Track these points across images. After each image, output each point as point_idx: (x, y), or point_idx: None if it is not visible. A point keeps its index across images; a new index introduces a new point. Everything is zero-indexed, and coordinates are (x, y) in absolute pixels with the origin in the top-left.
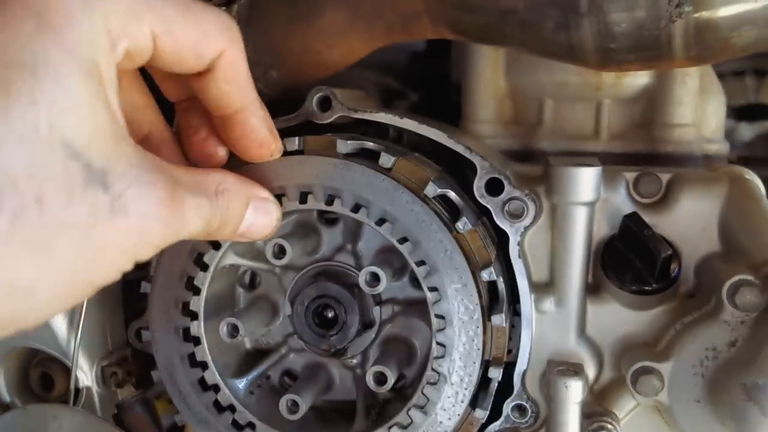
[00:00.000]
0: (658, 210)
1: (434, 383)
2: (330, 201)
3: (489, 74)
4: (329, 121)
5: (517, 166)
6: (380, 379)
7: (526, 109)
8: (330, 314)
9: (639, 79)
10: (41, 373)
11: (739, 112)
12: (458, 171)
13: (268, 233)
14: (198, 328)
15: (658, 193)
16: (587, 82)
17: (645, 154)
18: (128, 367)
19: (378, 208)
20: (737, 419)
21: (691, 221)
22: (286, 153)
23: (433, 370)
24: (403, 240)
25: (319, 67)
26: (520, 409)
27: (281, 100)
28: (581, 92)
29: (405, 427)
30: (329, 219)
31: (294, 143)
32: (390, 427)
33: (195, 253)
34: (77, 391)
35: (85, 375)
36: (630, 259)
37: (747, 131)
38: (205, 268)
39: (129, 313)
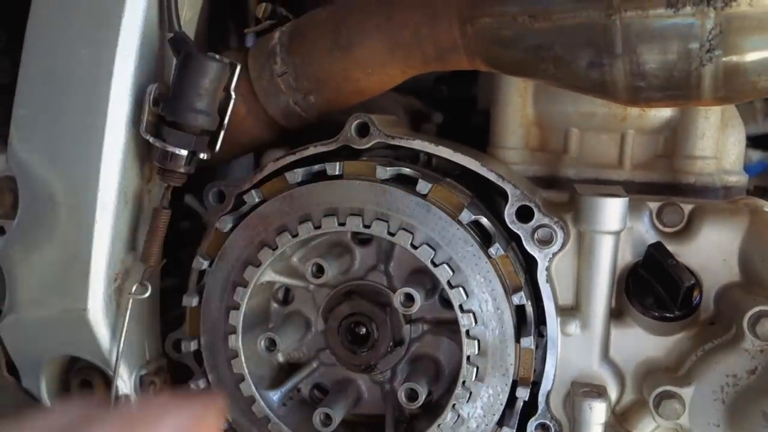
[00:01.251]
0: (680, 239)
1: (465, 401)
2: (369, 224)
3: (517, 103)
4: (367, 146)
5: (544, 193)
6: (411, 395)
7: (552, 138)
8: (362, 331)
9: (663, 112)
10: (82, 380)
11: (751, 141)
12: (486, 196)
13: None
14: (236, 341)
15: (681, 223)
16: (613, 114)
17: (666, 184)
18: (164, 376)
19: (419, 231)
20: None
21: (712, 251)
22: (326, 177)
23: (464, 388)
24: (440, 264)
25: (356, 93)
26: (543, 428)
27: (316, 124)
28: (607, 123)
29: None
30: (363, 240)
31: (335, 168)
32: None
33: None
34: (116, 398)
35: (124, 383)
36: (653, 286)
37: (759, 159)
38: (245, 284)
39: (165, 324)
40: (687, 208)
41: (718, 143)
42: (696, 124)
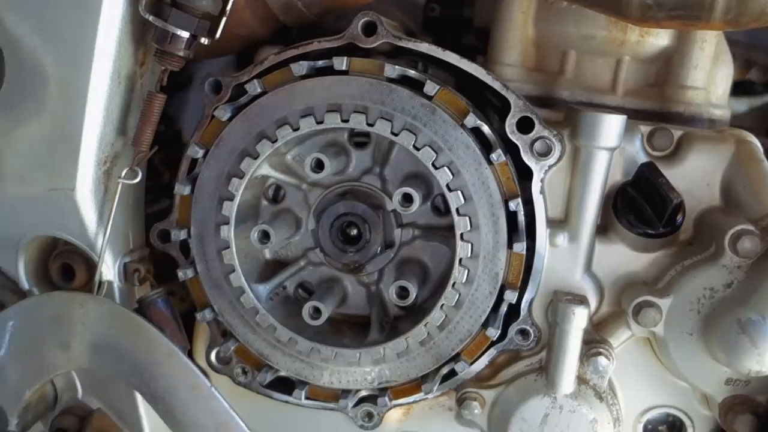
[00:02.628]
0: (667, 163)
1: (453, 302)
2: (372, 122)
3: (519, 20)
4: (373, 46)
5: (538, 110)
6: (402, 293)
7: (549, 58)
8: (353, 232)
9: (661, 39)
10: (61, 264)
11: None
12: (479, 109)
13: None
14: (228, 232)
15: (669, 148)
16: (613, 38)
17: (655, 111)
18: (148, 266)
19: (422, 133)
20: (729, 350)
21: (696, 176)
22: (331, 72)
23: (453, 289)
24: (441, 166)
25: None
26: (524, 333)
27: (314, 23)
28: (605, 47)
29: (421, 341)
30: (358, 142)
31: (342, 63)
32: (407, 339)
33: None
34: (99, 284)
35: (108, 269)
36: (640, 204)
37: (736, 105)
38: (241, 175)
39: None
40: (677, 133)
41: (709, 76)
42: (691, 55)
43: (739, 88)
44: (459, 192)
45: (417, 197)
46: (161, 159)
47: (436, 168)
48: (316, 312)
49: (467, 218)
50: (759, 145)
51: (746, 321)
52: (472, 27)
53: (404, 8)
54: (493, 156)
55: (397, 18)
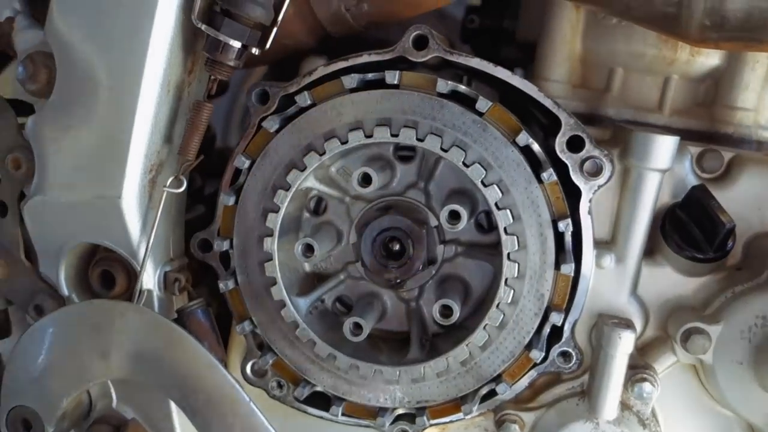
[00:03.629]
0: (717, 185)
1: (497, 322)
2: (422, 138)
3: (567, 36)
4: (424, 60)
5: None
6: (445, 312)
7: (595, 75)
8: (396, 247)
9: (711, 59)
10: (102, 272)
11: None
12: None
13: None
14: (271, 244)
15: (720, 170)
16: (662, 56)
17: (703, 132)
18: (188, 275)
19: (472, 150)
20: None
21: (747, 200)
22: (382, 85)
23: (498, 309)
24: (490, 184)
25: (410, 6)
26: (565, 355)
27: (361, 34)
28: (654, 65)
29: (462, 360)
30: (403, 156)
31: (394, 77)
32: (447, 358)
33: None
34: (140, 292)
35: (148, 278)
36: (689, 227)
37: None
38: (286, 187)
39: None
40: (727, 155)
41: (759, 97)
42: (742, 75)
43: None
44: (508, 211)
45: (464, 214)
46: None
47: (485, 185)
48: (357, 328)
49: (515, 237)
50: None
51: None
52: (514, 40)
53: (443, 19)
54: (544, 175)
55: (441, 30)
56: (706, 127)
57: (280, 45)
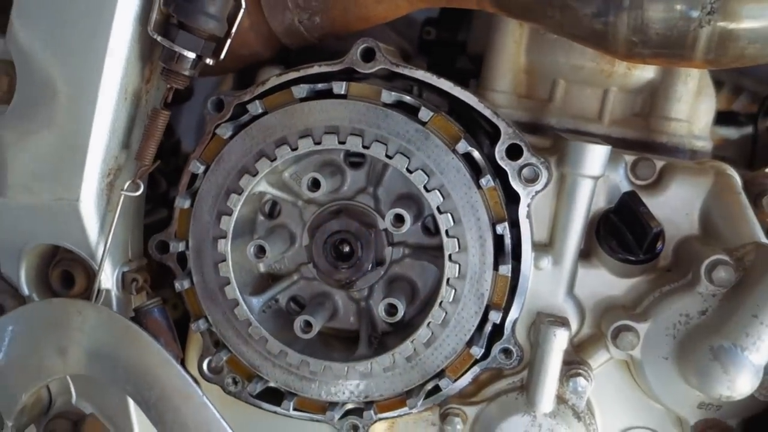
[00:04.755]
0: (649, 192)
1: (440, 320)
2: (368, 145)
3: (512, 48)
4: (371, 71)
5: (527, 137)
6: (390, 310)
7: (539, 86)
8: (346, 249)
9: (646, 72)
10: (62, 272)
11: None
12: (472, 134)
13: None
14: (225, 245)
15: (652, 177)
16: (600, 69)
17: (639, 141)
18: (145, 275)
19: (415, 157)
20: (701, 375)
21: (677, 205)
22: (330, 95)
23: (440, 308)
24: (432, 189)
25: (362, 20)
26: (506, 352)
27: (311, 49)
28: (593, 77)
29: (407, 356)
30: (354, 162)
31: (341, 87)
32: (393, 354)
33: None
34: (98, 292)
35: (107, 278)
36: (622, 231)
37: (718, 135)
38: (239, 191)
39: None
40: (659, 164)
41: (692, 108)
42: (675, 88)
43: (723, 119)
44: (449, 214)
45: (408, 218)
46: (159, 169)
47: (427, 190)
48: (307, 326)
49: (456, 240)
50: (737, 177)
51: (718, 348)
52: (465, 52)
53: (402, 29)
54: (483, 181)
55: (394, 41)
56: (643, 136)
57: (237, 55)
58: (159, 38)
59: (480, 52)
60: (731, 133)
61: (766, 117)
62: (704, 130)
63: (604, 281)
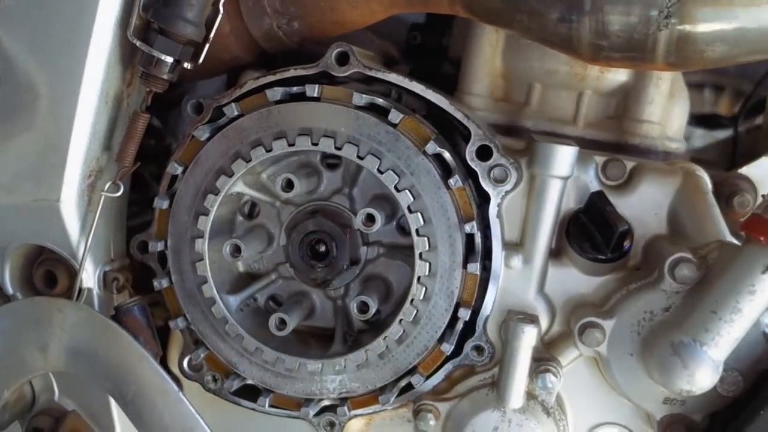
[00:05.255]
0: (619, 192)
1: (411, 317)
2: (340, 146)
3: (488, 53)
4: (345, 75)
5: (502, 139)
6: (362, 308)
7: (515, 90)
8: (322, 248)
9: (619, 76)
10: (45, 271)
11: (696, 119)
12: (447, 137)
13: None
14: (202, 245)
15: (622, 178)
16: (574, 73)
17: (613, 143)
18: (127, 275)
19: (386, 158)
20: (663, 370)
21: (646, 205)
22: (304, 98)
23: (411, 305)
24: (403, 189)
25: (338, 25)
26: (478, 349)
27: (294, 52)
28: (567, 81)
29: (380, 353)
30: (331, 163)
31: (314, 90)
32: (366, 351)
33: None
34: (80, 291)
35: (88, 277)
36: (591, 230)
37: (701, 137)
38: (216, 192)
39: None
40: (629, 164)
41: (664, 111)
42: (647, 91)
43: (706, 122)
44: (419, 214)
45: (379, 218)
46: (151, 172)
47: (398, 191)
48: (282, 323)
49: (426, 239)
50: (706, 177)
51: (678, 343)
52: (447, 57)
53: (389, 35)
54: (451, 181)
55: (377, 46)
56: (617, 138)
57: (218, 59)
58: (138, 43)
59: (461, 56)
60: (715, 135)
61: (746, 119)
62: (678, 132)
63: (574, 280)
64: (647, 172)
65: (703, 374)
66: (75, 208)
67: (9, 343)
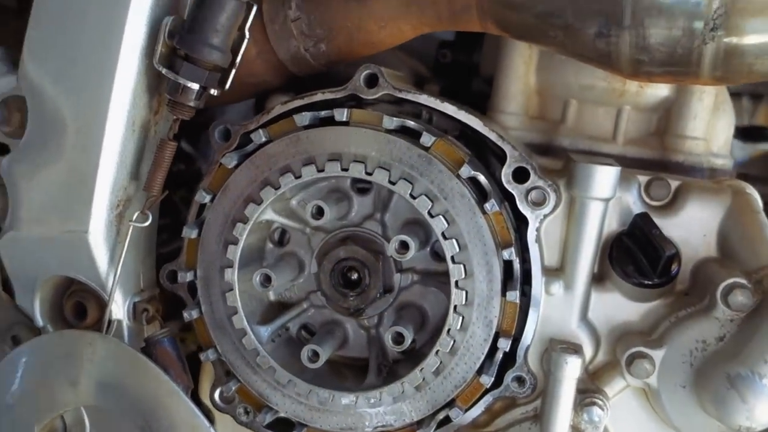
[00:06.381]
0: (664, 213)
1: (448, 348)
2: (371, 171)
3: (521, 70)
4: (375, 97)
5: (539, 159)
6: (398, 339)
7: (551, 107)
8: (354, 276)
9: (660, 90)
10: (75, 303)
11: (739, 132)
12: (482, 157)
13: None
14: (232, 275)
15: (667, 198)
16: (612, 88)
17: (656, 161)
18: (157, 305)
19: (419, 182)
20: (719, 404)
21: (693, 226)
22: (333, 122)
23: (448, 335)
24: (437, 215)
25: (367, 46)
26: (519, 380)
27: (322, 74)
28: (605, 97)
29: (416, 386)
30: (361, 188)
31: (342, 114)
32: (402, 383)
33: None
34: (109, 322)
35: (118, 308)
36: (635, 254)
37: (742, 149)
38: (245, 220)
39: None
40: (674, 183)
41: (709, 126)
42: (690, 105)
43: (748, 134)
44: (454, 240)
45: (413, 245)
46: (182, 197)
47: (432, 216)
48: (315, 355)
49: (462, 266)
50: (757, 196)
51: (735, 376)
52: (479, 74)
53: (418, 53)
54: (487, 206)
55: (406, 65)
56: (660, 156)
57: (246, 84)
58: (164, 70)
59: (493, 73)
60: (758, 147)
61: None
62: (723, 147)
63: (619, 306)
64: (693, 191)
65: (764, 409)
66: (103, 239)
67: (40, 377)
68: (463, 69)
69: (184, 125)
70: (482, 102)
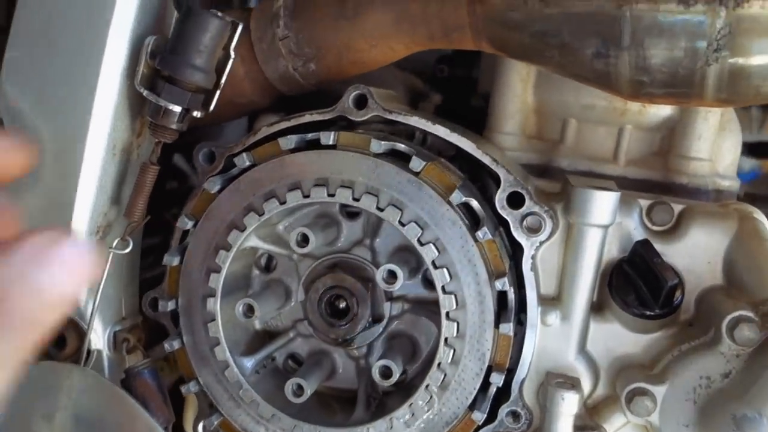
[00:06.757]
0: (667, 238)
1: (439, 383)
2: (358, 197)
3: (518, 89)
4: (364, 119)
5: (536, 181)
6: (386, 373)
7: (549, 126)
8: (342, 305)
9: (663, 109)
10: (54, 332)
11: (745, 148)
12: (478, 179)
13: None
14: (214, 304)
15: (670, 222)
16: (613, 107)
17: (659, 182)
18: (139, 334)
19: (408, 209)
20: None
21: (698, 253)
22: (319, 146)
23: (439, 369)
24: (427, 243)
25: (357, 65)
26: (514, 415)
27: (314, 92)
28: (606, 116)
29: (406, 421)
30: (351, 213)
31: (329, 137)
32: (391, 419)
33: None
34: (88, 353)
35: (98, 338)
36: (636, 283)
37: (749, 166)
38: (228, 248)
39: (145, 282)
40: (677, 207)
41: (714, 146)
42: (694, 125)
43: (755, 151)
44: (445, 269)
45: (401, 274)
46: (174, 215)
47: (421, 244)
48: (299, 389)
49: (453, 296)
50: (765, 221)
51: (741, 417)
52: (476, 91)
53: (415, 68)
54: (479, 234)
55: (401, 81)
56: (663, 177)
57: (233, 104)
58: (145, 92)
59: (490, 91)
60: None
61: None
62: (729, 168)
63: (618, 337)
64: (698, 215)
65: None
66: None
67: (15, 410)
68: (461, 84)
69: (172, 146)
70: (482, 118)
